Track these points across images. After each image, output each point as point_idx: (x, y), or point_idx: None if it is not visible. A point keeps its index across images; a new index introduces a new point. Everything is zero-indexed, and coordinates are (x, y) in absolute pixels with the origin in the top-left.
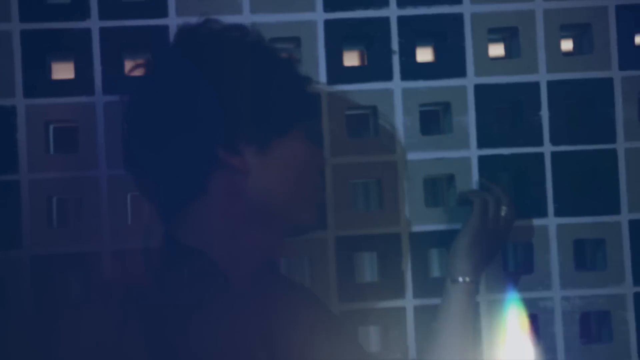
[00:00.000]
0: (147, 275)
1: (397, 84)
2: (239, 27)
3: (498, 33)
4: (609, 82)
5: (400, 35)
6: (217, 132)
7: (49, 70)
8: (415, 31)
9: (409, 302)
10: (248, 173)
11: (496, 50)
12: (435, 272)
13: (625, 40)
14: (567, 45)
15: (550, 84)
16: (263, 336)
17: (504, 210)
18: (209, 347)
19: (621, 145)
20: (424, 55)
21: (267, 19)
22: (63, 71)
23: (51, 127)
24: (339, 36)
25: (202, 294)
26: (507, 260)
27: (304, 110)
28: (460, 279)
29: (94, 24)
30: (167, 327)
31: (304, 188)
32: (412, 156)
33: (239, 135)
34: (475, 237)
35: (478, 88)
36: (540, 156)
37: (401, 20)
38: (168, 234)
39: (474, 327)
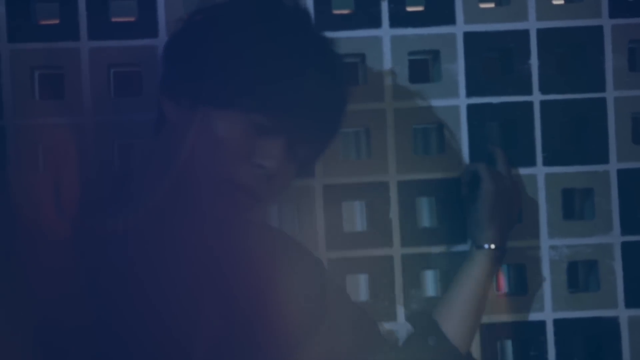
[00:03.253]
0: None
1: (385, 32)
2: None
3: None
4: (598, 30)
5: None
6: (166, 80)
7: (33, 15)
8: None
9: (396, 250)
10: (175, 127)
11: None
12: (424, 221)
13: None
14: None
15: (539, 32)
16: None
17: (508, 171)
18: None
19: (610, 94)
20: (413, 2)
21: None
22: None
23: (36, 74)
24: None
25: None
26: None
27: (258, 98)
28: (486, 246)
29: None
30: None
31: (208, 172)
32: (400, 104)
33: (182, 87)
34: (493, 203)
35: (467, 36)
36: (529, 105)
37: None
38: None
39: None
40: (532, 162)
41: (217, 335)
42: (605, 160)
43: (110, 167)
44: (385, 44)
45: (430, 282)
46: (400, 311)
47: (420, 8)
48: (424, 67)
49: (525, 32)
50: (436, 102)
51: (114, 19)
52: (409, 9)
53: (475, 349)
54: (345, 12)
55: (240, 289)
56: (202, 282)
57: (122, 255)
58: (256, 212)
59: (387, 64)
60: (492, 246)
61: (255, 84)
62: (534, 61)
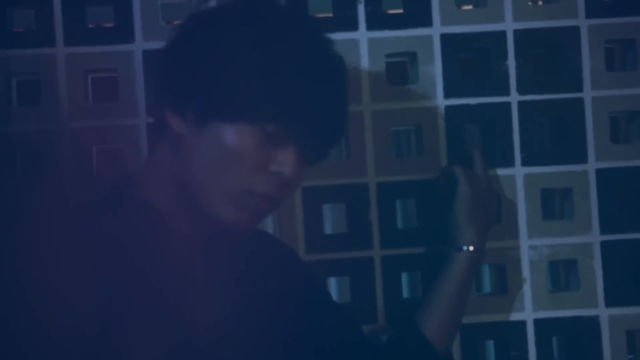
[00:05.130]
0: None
1: (362, 34)
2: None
3: None
4: (575, 30)
5: None
6: (169, 92)
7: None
8: None
9: (376, 252)
10: (182, 139)
11: None
12: (403, 223)
13: None
14: None
15: (516, 32)
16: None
17: (485, 172)
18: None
19: (588, 94)
20: (390, 5)
21: None
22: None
23: (14, 80)
24: None
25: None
26: None
27: (268, 109)
28: (465, 248)
29: None
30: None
31: (230, 184)
32: (378, 107)
33: (188, 101)
34: (470, 205)
35: (444, 37)
36: (507, 106)
37: None
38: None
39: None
40: (510, 163)
41: (215, 336)
42: (583, 160)
43: (92, 172)
44: (362, 47)
45: (410, 283)
46: (381, 313)
47: (399, 10)
48: (401, 69)
49: (502, 33)
50: (414, 104)
51: (90, 25)
52: (388, 11)
53: (457, 350)
54: (322, 15)
55: (246, 294)
56: (205, 287)
57: (120, 258)
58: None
59: (365, 66)
60: (471, 248)
61: (264, 94)
62: (511, 62)
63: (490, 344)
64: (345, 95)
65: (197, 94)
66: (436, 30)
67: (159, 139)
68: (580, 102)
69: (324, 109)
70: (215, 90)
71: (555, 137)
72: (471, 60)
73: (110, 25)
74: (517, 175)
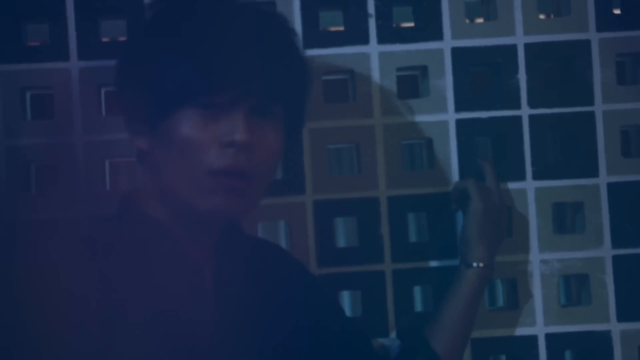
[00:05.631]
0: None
1: (374, 48)
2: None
3: None
4: (586, 44)
5: None
6: (123, 115)
7: (24, 35)
8: None
9: (387, 266)
10: (147, 155)
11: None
12: (414, 237)
13: (602, 1)
14: (544, 7)
15: (527, 46)
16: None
17: (497, 186)
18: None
19: (599, 108)
20: (401, 18)
21: None
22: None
23: (28, 94)
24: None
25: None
26: None
27: (192, 86)
28: (475, 264)
29: None
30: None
31: (193, 172)
32: (389, 120)
33: (136, 116)
34: (482, 221)
35: (455, 51)
36: (518, 119)
37: None
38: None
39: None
40: (521, 177)
41: (221, 349)
42: (595, 173)
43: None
44: (373, 60)
45: (421, 297)
46: (392, 326)
47: (410, 24)
48: (412, 82)
49: (513, 47)
50: (425, 118)
51: (104, 39)
52: (399, 25)
53: None
54: (334, 29)
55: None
56: (203, 292)
57: (123, 272)
58: (255, 199)
59: (376, 80)
60: (481, 264)
61: (188, 72)
62: (522, 75)
63: (502, 359)
64: (281, 46)
65: (137, 107)
66: (447, 43)
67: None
68: (591, 115)
69: (251, 66)
70: (151, 93)
71: (566, 150)
72: (482, 73)
73: (123, 39)
74: (528, 189)
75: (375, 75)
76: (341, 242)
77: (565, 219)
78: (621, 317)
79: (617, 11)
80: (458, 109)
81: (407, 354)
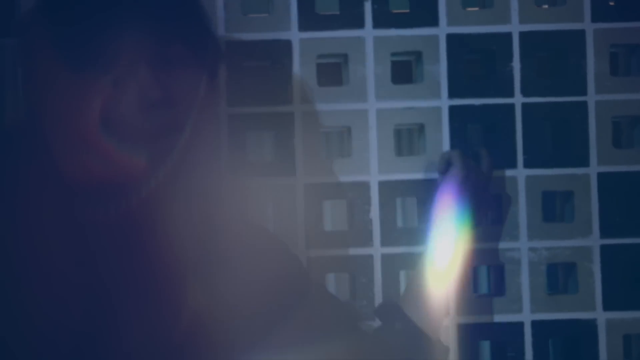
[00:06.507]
0: None
1: (368, 32)
2: None
3: None
4: (581, 34)
5: None
6: None
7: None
8: None
9: (376, 250)
10: None
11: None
12: (404, 221)
13: None
14: None
15: (522, 35)
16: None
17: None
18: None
19: (592, 98)
20: (397, 5)
21: None
22: None
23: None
24: None
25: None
26: None
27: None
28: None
29: None
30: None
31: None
32: (382, 105)
33: None
34: (457, 188)
35: (450, 38)
36: (510, 107)
37: None
38: None
39: None
40: (513, 164)
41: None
42: (585, 163)
43: None
44: (368, 45)
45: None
46: None
47: (405, 10)
48: (406, 68)
49: (508, 35)
50: (418, 103)
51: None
52: (395, 10)
53: (453, 350)
54: (329, 13)
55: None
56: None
57: (112, 246)
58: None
59: (370, 64)
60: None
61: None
62: (516, 64)
63: (487, 345)
64: None
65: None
66: (442, 30)
67: None
68: (583, 105)
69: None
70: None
71: (558, 139)
72: (476, 61)
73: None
74: (518, 177)
75: (370, 59)
76: (330, 226)
77: (555, 207)
78: (607, 306)
79: (612, 2)
80: (451, 95)
81: (384, 325)
